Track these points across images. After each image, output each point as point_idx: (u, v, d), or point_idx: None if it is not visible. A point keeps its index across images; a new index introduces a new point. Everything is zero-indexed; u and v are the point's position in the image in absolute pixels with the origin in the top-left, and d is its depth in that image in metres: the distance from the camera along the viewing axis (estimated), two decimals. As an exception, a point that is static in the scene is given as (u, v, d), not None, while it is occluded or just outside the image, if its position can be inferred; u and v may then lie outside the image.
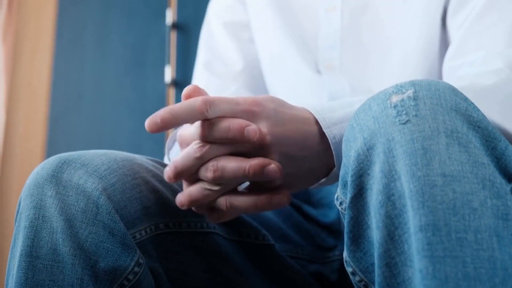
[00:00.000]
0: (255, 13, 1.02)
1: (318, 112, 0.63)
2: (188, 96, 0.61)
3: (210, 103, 0.59)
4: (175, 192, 0.71)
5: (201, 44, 1.09)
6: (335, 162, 0.63)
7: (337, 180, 0.66)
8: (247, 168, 0.59)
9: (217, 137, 0.59)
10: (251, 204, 0.62)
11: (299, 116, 0.63)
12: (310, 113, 0.64)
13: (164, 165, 0.75)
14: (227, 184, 0.62)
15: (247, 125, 0.58)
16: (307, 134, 0.63)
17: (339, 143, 0.62)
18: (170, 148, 0.78)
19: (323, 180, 0.66)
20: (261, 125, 0.60)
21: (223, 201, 0.62)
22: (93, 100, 2.00)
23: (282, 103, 0.64)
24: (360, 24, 0.89)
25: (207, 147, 0.60)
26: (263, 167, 0.59)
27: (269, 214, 0.84)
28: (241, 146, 0.60)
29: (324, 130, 0.62)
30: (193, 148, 0.60)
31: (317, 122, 0.63)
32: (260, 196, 0.62)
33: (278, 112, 0.62)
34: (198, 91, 0.62)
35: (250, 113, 0.60)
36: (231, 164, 0.59)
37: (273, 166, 0.59)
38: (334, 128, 0.62)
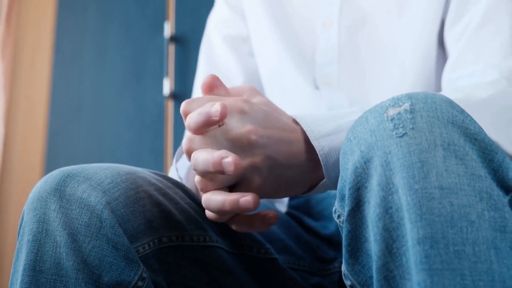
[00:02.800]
0: (254, 27, 1.02)
1: (308, 124, 0.63)
2: (209, 85, 0.64)
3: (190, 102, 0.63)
4: (178, 205, 0.71)
5: (201, 57, 1.09)
6: (324, 173, 0.63)
7: (326, 190, 0.66)
8: (226, 203, 0.60)
9: (201, 171, 0.60)
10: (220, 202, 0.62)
11: (288, 125, 0.64)
12: (298, 124, 0.64)
13: (167, 178, 0.75)
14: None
15: (225, 157, 0.58)
16: (293, 144, 0.63)
17: (327, 155, 0.62)
18: (178, 159, 0.78)
19: (312, 190, 0.67)
20: (248, 123, 0.61)
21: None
22: (92, 113, 2.00)
23: (275, 109, 0.64)
24: (357, 39, 0.90)
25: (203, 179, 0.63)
26: (238, 202, 0.60)
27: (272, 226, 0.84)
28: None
29: (312, 142, 0.62)
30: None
31: (304, 134, 0.63)
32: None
33: (268, 115, 0.63)
34: (217, 80, 0.65)
35: (238, 110, 0.61)
36: (215, 197, 0.61)
37: (245, 198, 0.60)
38: (322, 140, 0.62)
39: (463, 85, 0.74)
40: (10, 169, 2.11)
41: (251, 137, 0.60)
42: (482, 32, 0.79)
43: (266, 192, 0.63)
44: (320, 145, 0.62)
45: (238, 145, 0.60)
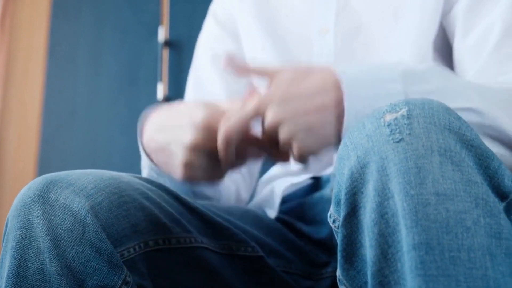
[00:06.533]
0: (248, 41, 1.02)
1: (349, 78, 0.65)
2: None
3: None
4: (163, 209, 0.72)
5: (189, 81, 1.09)
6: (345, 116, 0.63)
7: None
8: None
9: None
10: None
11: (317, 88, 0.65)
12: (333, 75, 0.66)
13: (151, 182, 0.75)
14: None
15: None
16: (326, 100, 0.64)
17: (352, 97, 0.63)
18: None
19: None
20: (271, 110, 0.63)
21: None
22: (86, 118, 2.00)
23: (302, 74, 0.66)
24: (354, 46, 0.90)
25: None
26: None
27: (259, 231, 0.84)
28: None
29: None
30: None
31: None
32: None
33: (288, 89, 0.65)
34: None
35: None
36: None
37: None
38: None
39: (504, 80, 0.75)
40: (3, 173, 2.10)
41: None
42: (503, 48, 0.79)
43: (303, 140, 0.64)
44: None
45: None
